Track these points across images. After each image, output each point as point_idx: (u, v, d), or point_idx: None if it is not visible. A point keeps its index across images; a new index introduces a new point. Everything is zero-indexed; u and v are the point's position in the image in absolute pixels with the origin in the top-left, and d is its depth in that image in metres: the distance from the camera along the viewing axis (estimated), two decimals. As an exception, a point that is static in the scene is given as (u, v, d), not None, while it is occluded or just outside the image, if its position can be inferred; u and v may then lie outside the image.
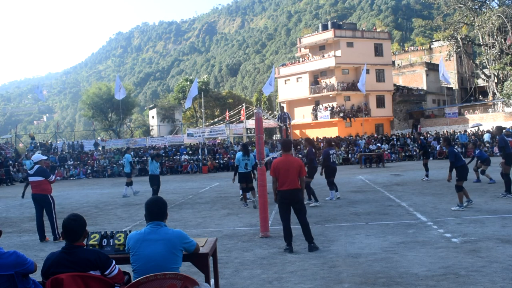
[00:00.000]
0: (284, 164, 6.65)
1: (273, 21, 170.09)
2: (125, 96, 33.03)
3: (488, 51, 43.68)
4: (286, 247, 6.69)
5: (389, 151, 29.99)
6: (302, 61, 45.37)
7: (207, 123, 44.61)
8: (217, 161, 30.24)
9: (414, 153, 29.82)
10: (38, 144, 35.95)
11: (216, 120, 49.28)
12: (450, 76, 51.93)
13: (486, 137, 28.79)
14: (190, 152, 31.88)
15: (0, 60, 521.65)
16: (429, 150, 23.85)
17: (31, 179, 8.72)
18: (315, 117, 42.02)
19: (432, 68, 49.95)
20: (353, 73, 42.32)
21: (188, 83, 56.22)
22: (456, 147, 29.35)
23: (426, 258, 5.84)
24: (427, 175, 16.06)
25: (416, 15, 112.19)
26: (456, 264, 5.50)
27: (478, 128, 34.48)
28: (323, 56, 42.45)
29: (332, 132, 38.02)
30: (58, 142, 39.26)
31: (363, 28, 71.98)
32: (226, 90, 75.18)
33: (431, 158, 28.09)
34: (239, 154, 11.97)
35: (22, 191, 17.02)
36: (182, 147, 33.54)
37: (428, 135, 32.67)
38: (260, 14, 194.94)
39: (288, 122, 20.06)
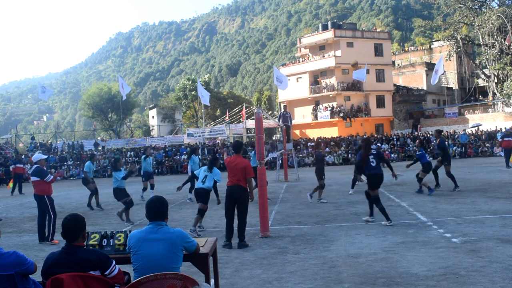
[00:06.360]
0: (231, 163, 7.39)
1: (273, 21, 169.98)
2: (126, 96, 32.81)
3: (488, 51, 43.66)
4: (225, 243, 7.17)
5: (389, 151, 30.01)
6: (302, 61, 45.33)
7: (207, 123, 44.57)
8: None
9: (414, 153, 29.87)
10: (38, 144, 35.96)
11: (218, 120, 49.24)
12: (449, 76, 52.10)
13: (499, 135, 28.63)
14: (190, 152, 31.87)
15: (0, 60, 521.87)
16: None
17: (31, 178, 8.74)
18: (315, 117, 42.00)
19: (432, 68, 49.66)
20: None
21: (190, 82, 56.24)
22: (455, 147, 29.44)
23: (426, 258, 5.84)
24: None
25: (416, 15, 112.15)
26: (456, 264, 5.50)
27: (478, 128, 34.41)
28: (323, 56, 42.42)
29: (332, 132, 38.01)
30: (58, 142, 39.27)
31: (363, 28, 71.98)
32: (226, 90, 75.10)
33: (430, 158, 28.10)
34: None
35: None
36: (182, 147, 33.54)
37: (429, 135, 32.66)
38: (260, 14, 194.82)
39: (290, 122, 20.06)
